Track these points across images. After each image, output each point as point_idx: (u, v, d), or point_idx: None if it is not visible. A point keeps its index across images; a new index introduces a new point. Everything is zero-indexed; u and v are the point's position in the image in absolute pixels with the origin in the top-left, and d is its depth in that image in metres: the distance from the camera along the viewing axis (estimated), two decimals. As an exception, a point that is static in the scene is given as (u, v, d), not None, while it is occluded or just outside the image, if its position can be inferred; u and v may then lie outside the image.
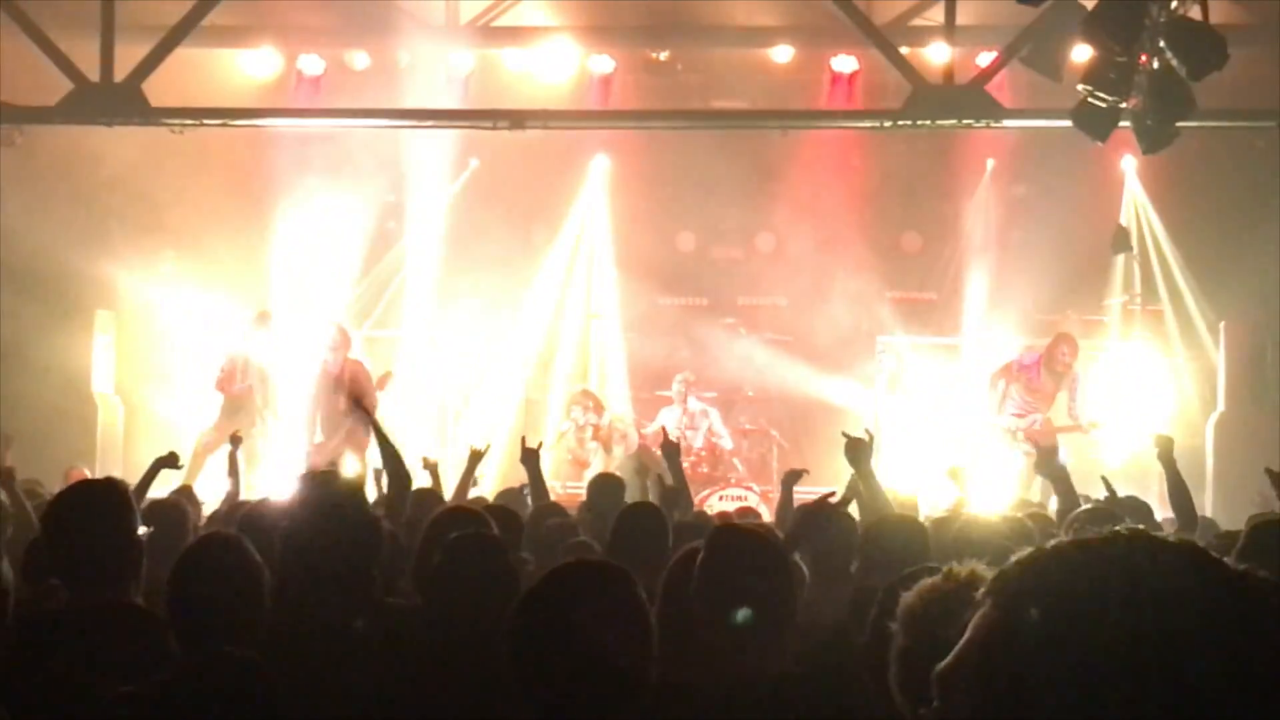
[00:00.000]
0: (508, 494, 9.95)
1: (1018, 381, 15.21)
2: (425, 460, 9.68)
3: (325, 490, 5.00)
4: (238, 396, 15.61)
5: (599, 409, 16.61)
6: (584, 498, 9.47)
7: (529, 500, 9.00)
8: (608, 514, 7.56)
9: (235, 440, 10.34)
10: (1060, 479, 8.31)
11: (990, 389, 15.43)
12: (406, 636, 4.65)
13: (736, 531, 4.49)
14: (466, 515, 5.79)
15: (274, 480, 13.50)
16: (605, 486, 9.08)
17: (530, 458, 9.10)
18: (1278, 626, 1.44)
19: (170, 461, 8.66)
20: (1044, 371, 15.22)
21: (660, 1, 16.41)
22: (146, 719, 3.50)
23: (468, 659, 4.42)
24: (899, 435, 16.89)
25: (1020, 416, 15.12)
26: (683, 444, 16.39)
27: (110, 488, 4.90)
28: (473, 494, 9.36)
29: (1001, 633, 1.47)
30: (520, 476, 9.73)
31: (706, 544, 4.15)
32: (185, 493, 9.40)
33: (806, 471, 9.74)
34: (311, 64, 16.67)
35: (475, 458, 9.49)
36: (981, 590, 1.52)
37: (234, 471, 9.90)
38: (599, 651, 2.96)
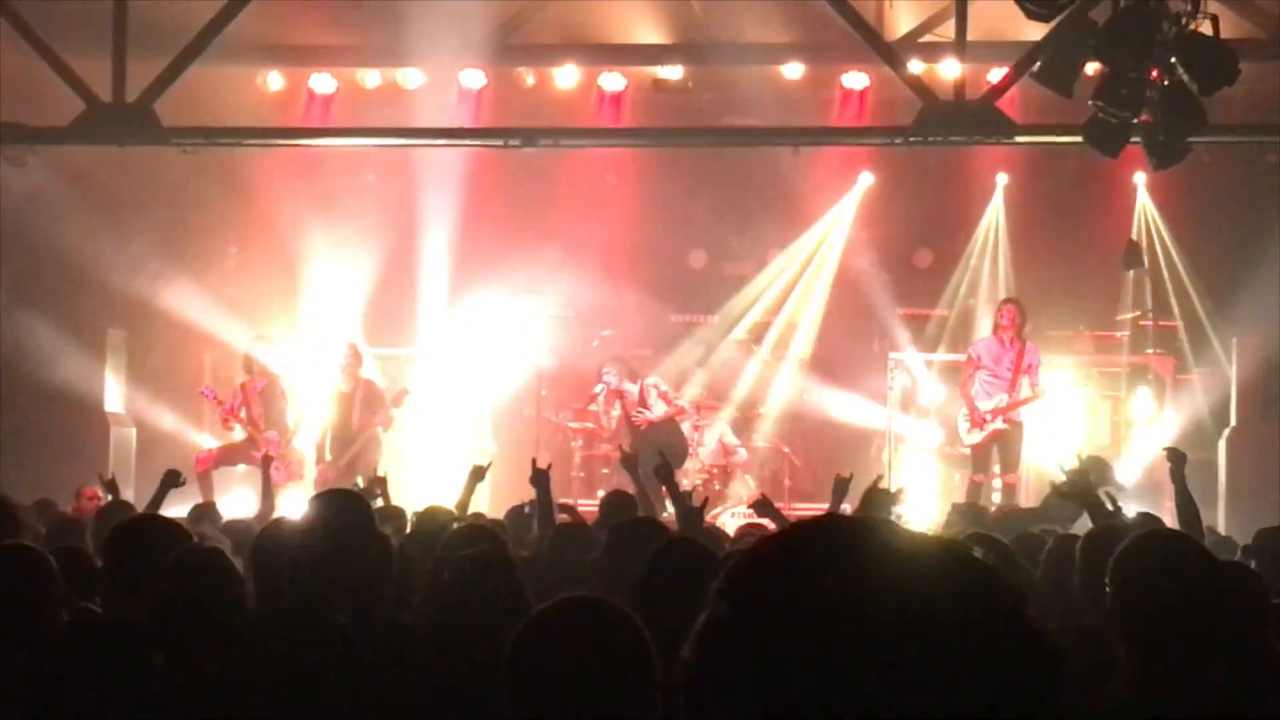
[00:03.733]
0: (514, 513, 9.74)
1: (980, 366, 14.95)
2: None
3: (336, 508, 4.99)
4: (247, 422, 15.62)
5: (633, 376, 16.17)
6: (597, 515, 9.27)
7: (534, 520, 8.76)
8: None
9: (266, 460, 10.45)
10: (1093, 500, 7.66)
11: (964, 385, 15.14)
12: (416, 653, 4.65)
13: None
14: (480, 533, 5.78)
15: (286, 499, 13.50)
16: (619, 505, 8.83)
17: (540, 479, 8.77)
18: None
19: (174, 480, 8.77)
20: (994, 341, 15.03)
21: (671, 19, 16.43)
22: None
23: (478, 677, 4.41)
24: (913, 452, 16.88)
25: (989, 397, 14.90)
26: (691, 459, 16.37)
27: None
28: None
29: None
30: (528, 493, 9.48)
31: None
32: None
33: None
34: (323, 83, 16.70)
35: (477, 474, 9.39)
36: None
37: (267, 492, 9.95)
38: (596, 694, 2.93)
